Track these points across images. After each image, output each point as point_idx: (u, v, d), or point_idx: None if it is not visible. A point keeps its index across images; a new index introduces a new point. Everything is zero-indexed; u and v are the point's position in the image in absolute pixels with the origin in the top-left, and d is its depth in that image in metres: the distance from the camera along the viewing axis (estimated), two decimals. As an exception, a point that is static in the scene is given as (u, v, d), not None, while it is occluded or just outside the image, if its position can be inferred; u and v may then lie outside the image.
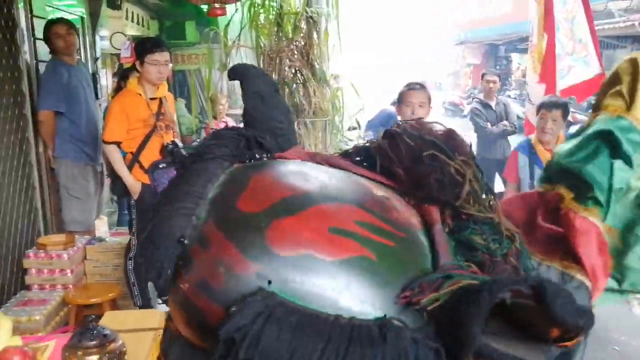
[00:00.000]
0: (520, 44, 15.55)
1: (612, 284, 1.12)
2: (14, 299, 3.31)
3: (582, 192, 1.08)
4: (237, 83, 0.89)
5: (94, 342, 1.45)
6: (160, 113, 3.45)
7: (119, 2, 5.99)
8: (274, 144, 0.81)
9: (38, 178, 3.90)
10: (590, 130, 1.16)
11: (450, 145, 0.71)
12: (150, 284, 0.66)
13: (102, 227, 4.60)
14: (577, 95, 4.89)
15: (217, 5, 3.39)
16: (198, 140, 6.05)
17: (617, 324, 3.51)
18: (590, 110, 1.32)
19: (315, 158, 0.81)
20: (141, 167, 3.39)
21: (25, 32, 3.82)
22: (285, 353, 0.52)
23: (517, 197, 1.20)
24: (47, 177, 4.01)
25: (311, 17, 3.95)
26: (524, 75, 11.77)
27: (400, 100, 2.87)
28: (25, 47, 3.80)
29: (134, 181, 3.39)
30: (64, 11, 4.69)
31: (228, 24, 3.90)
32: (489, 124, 5.62)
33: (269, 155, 0.80)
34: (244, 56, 4.14)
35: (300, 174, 0.73)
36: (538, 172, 3.40)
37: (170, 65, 3.57)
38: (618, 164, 1.10)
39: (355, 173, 0.77)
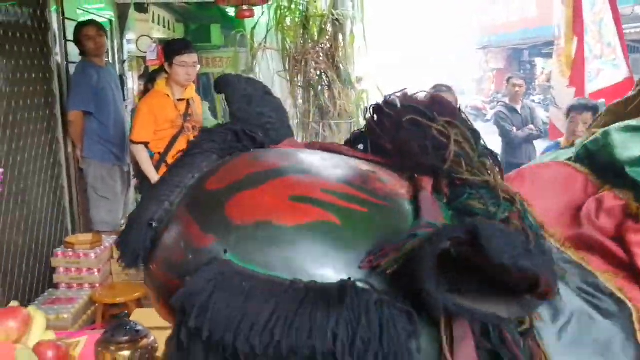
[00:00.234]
0: (545, 49, 15.39)
1: None
2: (42, 297, 3.36)
3: None
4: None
5: (126, 338, 1.46)
6: (188, 114, 3.48)
7: (146, 6, 6.07)
8: (265, 137, 0.78)
9: (67, 178, 3.96)
10: None
11: (434, 110, 0.67)
12: None
13: (128, 227, 4.65)
14: (606, 99, 4.83)
15: (245, 7, 3.42)
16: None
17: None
18: None
19: (311, 146, 0.79)
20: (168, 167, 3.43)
21: (57, 34, 3.89)
22: (235, 320, 0.50)
23: (560, 174, 1.02)
24: (75, 177, 4.06)
25: (337, 20, 3.97)
26: (548, 80, 11.64)
27: None
28: (57, 49, 3.87)
29: (161, 181, 3.42)
30: (94, 14, 4.77)
31: (255, 27, 3.93)
32: (514, 128, 5.56)
33: (261, 147, 0.78)
34: (270, 59, 4.18)
35: (279, 153, 0.72)
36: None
37: (198, 66, 3.61)
38: None
39: (351, 156, 0.74)
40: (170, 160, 3.42)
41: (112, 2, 5.28)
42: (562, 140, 3.69)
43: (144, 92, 3.70)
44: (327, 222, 0.57)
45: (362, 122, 0.78)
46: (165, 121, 3.39)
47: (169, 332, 0.57)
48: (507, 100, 5.89)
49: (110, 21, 5.26)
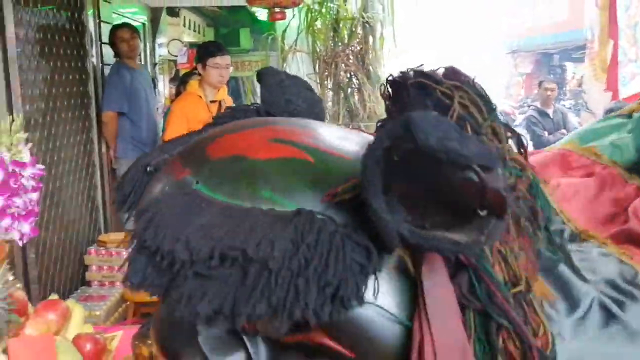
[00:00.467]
0: (575, 53, 15.14)
1: None
2: (76, 294, 3.43)
3: None
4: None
5: (162, 332, 1.49)
6: (219, 115, 3.52)
7: (178, 10, 6.17)
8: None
9: (100, 178, 4.04)
10: None
11: (447, 77, 0.63)
12: None
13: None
14: (641, 103, 4.73)
15: (277, 9, 3.46)
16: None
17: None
18: None
19: None
20: (199, 168, 3.47)
21: (93, 37, 3.98)
22: (177, 229, 0.49)
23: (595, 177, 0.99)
24: (108, 177, 4.14)
25: (367, 22, 3.98)
26: (579, 85, 11.45)
27: None
28: (93, 51, 3.96)
29: (192, 182, 3.47)
30: (128, 18, 4.87)
31: (285, 30, 3.96)
32: (545, 132, 5.50)
33: None
34: (300, 61, 4.20)
35: (286, 118, 0.71)
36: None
37: (231, 68, 3.66)
38: None
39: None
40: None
41: (145, 6, 5.38)
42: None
43: (176, 94, 3.77)
44: (301, 159, 0.55)
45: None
46: (198, 122, 3.43)
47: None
48: (538, 104, 5.82)
49: (143, 25, 5.36)
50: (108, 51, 4.13)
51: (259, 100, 0.80)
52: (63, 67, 3.50)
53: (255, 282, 0.46)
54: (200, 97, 3.50)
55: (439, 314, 0.49)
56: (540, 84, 5.89)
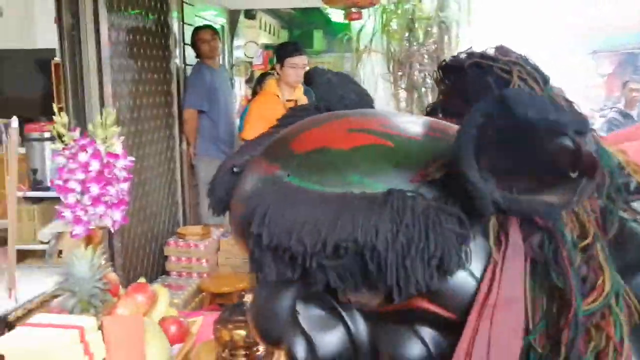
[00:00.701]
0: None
1: None
2: (156, 283, 3.60)
3: None
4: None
5: (242, 317, 1.55)
6: (295, 114, 3.60)
7: (255, 12, 6.33)
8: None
9: (180, 173, 4.23)
10: None
11: (500, 54, 0.65)
12: None
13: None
14: None
15: (353, 9, 3.50)
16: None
17: None
18: None
19: None
20: (276, 165, 3.56)
21: (177, 38, 4.17)
22: (287, 223, 0.52)
23: None
24: (188, 172, 4.32)
25: (443, 22, 3.94)
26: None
27: None
28: (177, 52, 4.15)
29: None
30: (209, 20, 5.05)
31: (361, 30, 3.99)
32: (629, 135, 5.23)
33: None
34: (374, 62, 4.22)
35: (352, 111, 0.73)
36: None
37: (307, 68, 3.73)
38: None
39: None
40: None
41: (224, 8, 5.56)
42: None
43: (253, 94, 3.89)
44: (382, 144, 0.58)
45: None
46: (275, 121, 3.52)
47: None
48: (621, 105, 5.55)
49: (222, 27, 5.54)
50: (190, 52, 4.32)
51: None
52: (149, 67, 3.70)
53: (371, 268, 0.50)
54: (277, 96, 3.59)
55: (509, 278, 0.53)
56: (624, 84, 5.61)
